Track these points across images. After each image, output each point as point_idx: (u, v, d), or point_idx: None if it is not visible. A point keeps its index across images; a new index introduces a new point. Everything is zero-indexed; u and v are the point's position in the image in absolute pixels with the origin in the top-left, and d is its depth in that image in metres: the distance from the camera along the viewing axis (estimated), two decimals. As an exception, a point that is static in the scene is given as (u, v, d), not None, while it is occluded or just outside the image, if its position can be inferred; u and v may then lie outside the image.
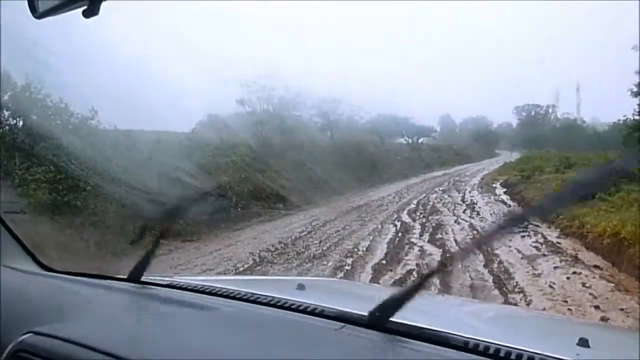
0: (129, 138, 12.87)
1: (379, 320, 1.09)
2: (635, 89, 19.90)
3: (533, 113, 73.39)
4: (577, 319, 4.70)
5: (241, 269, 7.10)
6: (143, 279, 1.53)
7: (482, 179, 25.12)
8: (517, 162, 30.66)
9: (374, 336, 1.09)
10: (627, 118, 21.82)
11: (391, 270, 6.92)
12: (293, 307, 1.27)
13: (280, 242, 9.15)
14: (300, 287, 1.47)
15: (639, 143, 19.79)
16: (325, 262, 7.52)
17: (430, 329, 1.07)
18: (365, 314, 1.11)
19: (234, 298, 1.39)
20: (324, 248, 8.55)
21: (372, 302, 1.13)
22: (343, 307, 1.21)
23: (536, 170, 20.25)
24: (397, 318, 1.08)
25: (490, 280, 6.35)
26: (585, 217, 9.09)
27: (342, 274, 6.82)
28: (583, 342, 1.07)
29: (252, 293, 1.38)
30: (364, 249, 8.41)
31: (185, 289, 1.52)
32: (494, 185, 21.02)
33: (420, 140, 49.01)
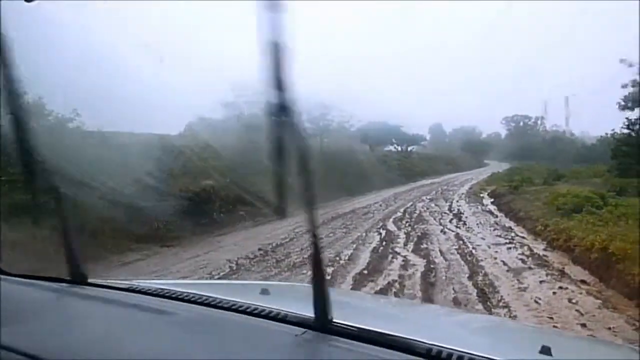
0: (112, 140, 12.57)
1: (338, 325, 1.08)
2: (622, 103, 19.94)
3: (522, 124, 73.93)
4: (543, 327, 4.51)
5: (217, 277, 6.80)
6: (98, 281, 1.51)
7: (470, 188, 25.03)
8: (505, 173, 30.66)
9: (334, 342, 1.06)
10: (615, 132, 21.92)
11: (372, 281, 6.66)
12: (254, 312, 1.23)
13: (260, 249, 8.87)
14: (264, 291, 1.42)
15: (627, 157, 19.82)
16: (305, 271, 7.24)
17: (393, 335, 1.06)
18: (329, 319, 1.09)
19: (193, 302, 1.34)
20: (305, 256, 8.26)
21: (339, 308, 1.13)
22: (307, 313, 1.14)
23: (524, 181, 20.20)
24: (363, 324, 1.10)
25: (475, 294, 6.11)
26: (572, 230, 8.92)
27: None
28: (545, 350, 1.07)
29: (212, 297, 1.34)
30: (347, 257, 8.15)
31: (141, 292, 1.47)
32: (481, 195, 20.92)
33: (410, 149, 49.15)
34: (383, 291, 6.20)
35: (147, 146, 13.42)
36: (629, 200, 11.94)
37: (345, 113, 31.95)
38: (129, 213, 9.90)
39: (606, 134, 22.86)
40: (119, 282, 1.57)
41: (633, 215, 9.03)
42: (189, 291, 1.42)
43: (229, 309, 1.27)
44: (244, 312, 1.25)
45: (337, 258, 8.11)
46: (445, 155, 55.35)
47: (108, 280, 1.54)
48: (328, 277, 6.88)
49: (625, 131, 21.04)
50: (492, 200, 18.51)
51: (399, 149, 47.49)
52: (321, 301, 1.08)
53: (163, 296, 1.41)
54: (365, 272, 7.17)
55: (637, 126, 20.63)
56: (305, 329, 1.11)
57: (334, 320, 1.09)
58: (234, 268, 7.49)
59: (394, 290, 6.28)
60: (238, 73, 23.55)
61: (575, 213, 10.35)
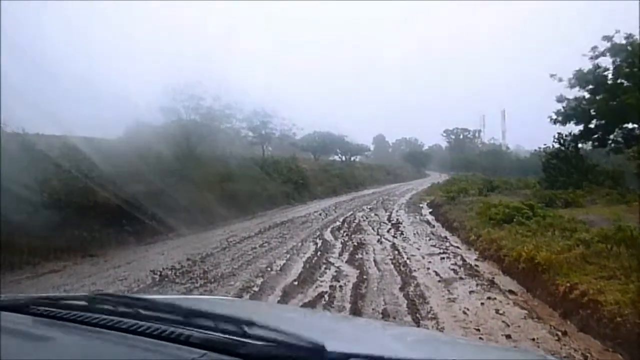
0: (39, 144, 11.71)
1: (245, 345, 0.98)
2: (554, 117, 20.90)
3: (461, 137, 76.73)
4: (493, 344, 4.43)
5: (135, 289, 6.32)
6: None
7: (410, 198, 25.44)
8: (444, 183, 31.46)
9: None
10: (547, 146, 22.96)
11: (302, 293, 6.41)
12: (147, 332, 1.07)
13: (188, 259, 8.43)
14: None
15: (556, 169, 20.77)
16: (233, 282, 6.90)
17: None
18: (232, 339, 0.99)
19: (80, 322, 1.18)
20: (235, 267, 7.92)
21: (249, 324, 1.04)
22: (210, 332, 1.04)
23: (461, 192, 20.70)
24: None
25: (405, 305, 5.99)
26: (503, 240, 9.06)
27: (247, 296, 6.23)
28: None
29: (100, 317, 1.17)
30: (278, 268, 7.87)
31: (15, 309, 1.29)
32: (420, 205, 21.26)
33: (353, 158, 49.69)
34: (312, 303, 5.96)
35: (74, 150, 12.59)
36: (556, 211, 12.39)
37: (288, 121, 31.77)
38: (48, 222, 9.20)
39: (539, 147, 23.93)
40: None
41: (559, 226, 9.31)
42: (76, 312, 1.23)
43: (118, 329, 1.11)
44: (129, 331, 1.10)
45: (268, 269, 7.81)
46: (387, 166, 56.40)
47: None
48: (256, 289, 6.59)
49: (556, 145, 22.08)
50: (430, 210, 18.82)
51: (343, 158, 47.88)
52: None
53: (39, 315, 1.25)
54: (296, 283, 6.91)
55: (567, 140, 21.69)
56: (205, 351, 0.99)
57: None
58: (157, 280, 7.02)
59: (323, 302, 6.05)
60: (174, 77, 22.92)
61: (506, 223, 10.57)
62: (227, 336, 1.04)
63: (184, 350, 1.02)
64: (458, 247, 10.38)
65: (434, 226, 14.17)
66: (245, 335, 1.04)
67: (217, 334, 1.06)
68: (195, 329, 1.08)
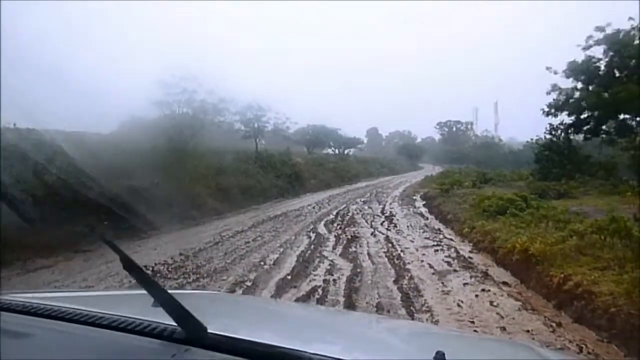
0: (30, 138, 11.54)
1: (214, 337, 1.01)
2: (546, 109, 20.91)
3: (454, 129, 76.80)
4: (488, 336, 4.39)
5: (127, 285, 6.24)
6: None
7: (403, 191, 25.43)
8: (438, 176, 31.46)
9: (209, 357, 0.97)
10: (540, 138, 22.98)
11: (295, 287, 6.36)
12: (138, 329, 1.10)
13: (181, 254, 8.35)
14: (157, 304, 1.19)
15: (549, 161, 20.81)
16: (225, 277, 6.83)
17: (273, 346, 1.00)
18: (214, 332, 1.02)
19: (67, 320, 1.18)
20: (228, 261, 7.85)
21: (233, 317, 1.18)
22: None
23: (455, 184, 20.69)
24: (247, 335, 1.06)
25: (399, 298, 5.96)
26: (497, 232, 9.06)
27: (240, 291, 6.17)
28: (440, 356, 1.01)
29: (92, 313, 1.19)
30: (272, 262, 7.81)
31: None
32: (414, 197, 21.26)
33: (347, 152, 49.59)
34: (305, 297, 5.91)
35: (67, 145, 12.43)
36: (549, 202, 12.40)
37: (281, 115, 31.60)
38: (41, 217, 9.09)
39: (531, 139, 23.99)
40: None
41: (552, 217, 9.30)
42: (61, 306, 1.24)
43: (107, 326, 1.12)
44: (125, 329, 1.10)
45: (262, 263, 7.75)
46: (381, 158, 56.38)
47: None
48: (249, 284, 6.54)
49: (549, 136, 22.11)
50: (424, 202, 18.82)
51: (337, 151, 47.79)
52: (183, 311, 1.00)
53: (25, 313, 1.24)
54: (289, 277, 6.85)
55: (559, 132, 21.72)
56: (188, 346, 1.00)
57: (211, 332, 1.02)
58: (150, 274, 6.94)
59: (317, 296, 6.01)
60: (167, 71, 22.71)
61: (500, 215, 10.57)
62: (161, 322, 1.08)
63: (159, 344, 1.05)
64: (452, 240, 10.37)
65: (427, 218, 14.16)
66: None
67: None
68: None
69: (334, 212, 15.04)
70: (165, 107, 23.32)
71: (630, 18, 17.63)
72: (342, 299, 5.89)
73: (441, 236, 10.79)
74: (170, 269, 7.33)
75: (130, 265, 1.13)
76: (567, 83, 20.61)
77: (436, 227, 12.35)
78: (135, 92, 21.90)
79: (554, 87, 20.70)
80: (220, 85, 24.92)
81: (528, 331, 4.87)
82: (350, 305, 5.65)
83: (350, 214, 14.73)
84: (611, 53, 18.66)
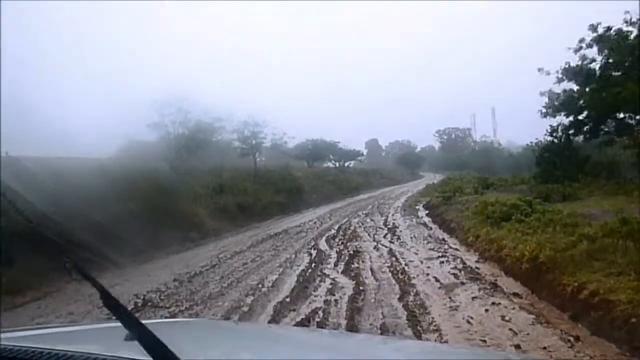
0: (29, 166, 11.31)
1: None
2: (544, 110, 20.66)
3: (453, 136, 76.72)
4: (497, 352, 4.09)
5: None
6: None
7: (405, 201, 25.09)
8: (439, 184, 31.16)
9: None
10: (539, 140, 22.68)
11: (294, 310, 6.01)
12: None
13: (175, 280, 8.02)
14: (130, 337, 1.10)
15: (550, 163, 20.48)
16: (220, 303, 6.48)
17: None
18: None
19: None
20: (224, 285, 7.51)
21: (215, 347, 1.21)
22: None
23: (456, 191, 20.39)
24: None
25: (404, 317, 5.61)
26: (503, 240, 8.72)
27: (236, 317, 5.83)
28: None
29: (62, 352, 1.11)
30: (270, 284, 7.47)
31: None
32: (417, 207, 20.93)
33: (347, 164, 49.31)
34: (304, 321, 5.57)
35: (65, 171, 12.18)
36: (554, 205, 12.05)
37: (278, 130, 31.38)
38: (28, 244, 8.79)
39: (531, 142, 23.66)
40: None
41: (559, 221, 8.96)
42: (24, 345, 1.17)
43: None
44: None
45: (260, 285, 7.41)
46: (381, 169, 56.08)
47: None
48: (245, 309, 6.21)
49: (549, 138, 21.80)
50: (426, 212, 18.48)
51: (337, 164, 47.52)
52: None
53: None
54: (288, 299, 6.51)
55: (558, 132, 21.41)
56: None
57: None
58: (140, 304, 6.59)
59: (317, 319, 5.67)
60: (161, 92, 22.64)
61: (505, 221, 10.21)
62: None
63: None
64: (457, 249, 10.03)
65: (431, 228, 13.83)
66: None
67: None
68: None
69: (336, 227, 14.70)
70: (161, 128, 23.18)
71: (626, 11, 17.39)
72: (343, 322, 5.54)
73: (446, 246, 10.45)
74: (162, 297, 6.98)
75: (106, 297, 1.08)
76: (563, 84, 20.38)
77: (440, 237, 12.01)
78: (131, 115, 21.79)
79: (549, 92, 20.47)
80: (216, 102, 24.83)
81: (545, 348, 4.52)
82: (352, 328, 5.30)
83: (352, 227, 14.39)
84: (605, 52, 18.41)
